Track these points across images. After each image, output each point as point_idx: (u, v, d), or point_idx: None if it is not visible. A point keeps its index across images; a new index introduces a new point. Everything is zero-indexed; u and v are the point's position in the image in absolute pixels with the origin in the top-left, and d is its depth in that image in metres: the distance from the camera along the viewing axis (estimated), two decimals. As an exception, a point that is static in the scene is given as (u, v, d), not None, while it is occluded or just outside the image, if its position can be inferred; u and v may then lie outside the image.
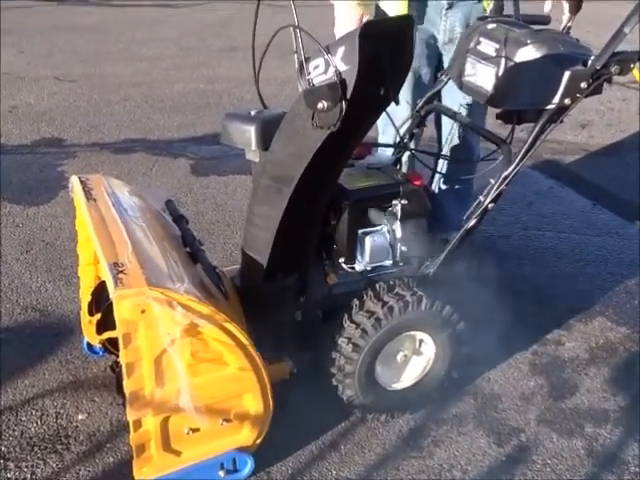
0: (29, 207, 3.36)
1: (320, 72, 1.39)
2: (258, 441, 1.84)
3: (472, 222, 1.98)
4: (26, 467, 1.90)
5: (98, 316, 2.06)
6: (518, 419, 2.08)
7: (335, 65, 1.36)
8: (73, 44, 6.54)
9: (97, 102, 4.93)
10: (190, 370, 1.64)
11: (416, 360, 2.04)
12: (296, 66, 1.60)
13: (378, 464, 1.92)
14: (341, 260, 1.94)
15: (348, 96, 1.36)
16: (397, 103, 1.55)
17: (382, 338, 1.91)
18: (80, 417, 2.08)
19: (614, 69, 1.82)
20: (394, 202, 1.89)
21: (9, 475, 1.87)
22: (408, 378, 2.04)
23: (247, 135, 1.72)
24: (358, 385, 1.93)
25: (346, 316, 1.91)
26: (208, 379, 1.69)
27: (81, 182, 2.01)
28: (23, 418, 2.07)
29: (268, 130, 1.69)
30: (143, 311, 1.55)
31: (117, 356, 2.19)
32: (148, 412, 1.65)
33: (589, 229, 3.20)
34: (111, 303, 2.01)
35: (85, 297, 2.19)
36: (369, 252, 1.90)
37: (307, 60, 1.41)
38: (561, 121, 1.91)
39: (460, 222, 2.01)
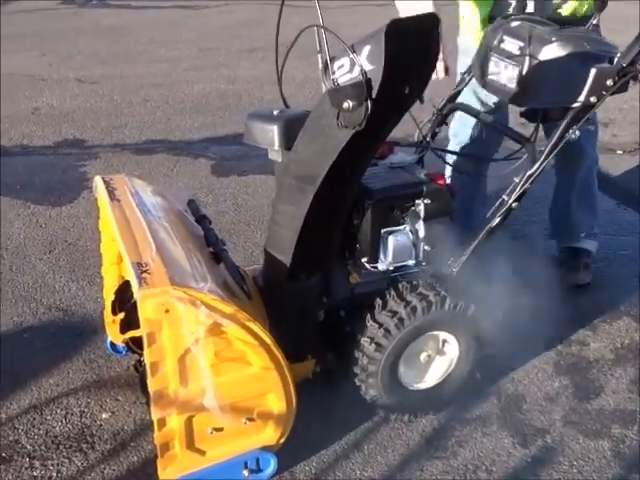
0: (52, 208, 3.40)
1: (345, 71, 1.39)
2: (281, 440, 1.84)
3: (496, 221, 1.96)
4: (52, 465, 1.92)
5: (121, 315, 2.08)
6: (543, 420, 2.06)
7: (360, 64, 1.36)
8: (94, 46, 6.59)
9: (118, 103, 4.97)
10: (214, 369, 1.64)
11: (439, 360, 2.03)
12: (320, 66, 1.60)
13: (402, 464, 1.91)
14: (364, 260, 1.93)
15: (374, 95, 1.36)
16: (422, 102, 1.54)
17: (405, 338, 1.90)
18: (104, 416, 2.09)
19: (640, 66, 1.80)
20: (417, 201, 1.88)
21: (35, 473, 1.89)
22: (431, 378, 2.03)
23: (270, 135, 1.72)
24: (381, 385, 1.93)
25: (369, 316, 1.90)
26: (231, 378, 1.69)
27: (105, 182, 2.02)
28: (48, 417, 2.09)
29: (291, 129, 1.69)
30: (167, 310, 1.55)
31: (140, 355, 2.21)
32: (172, 411, 1.66)
33: (613, 228, 3.16)
34: (135, 302, 2.05)
35: (109, 296, 2.20)
36: (392, 252, 1.89)
37: (332, 60, 1.41)
38: (587, 119, 1.89)
39: (483, 221, 2.00)
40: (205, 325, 1.58)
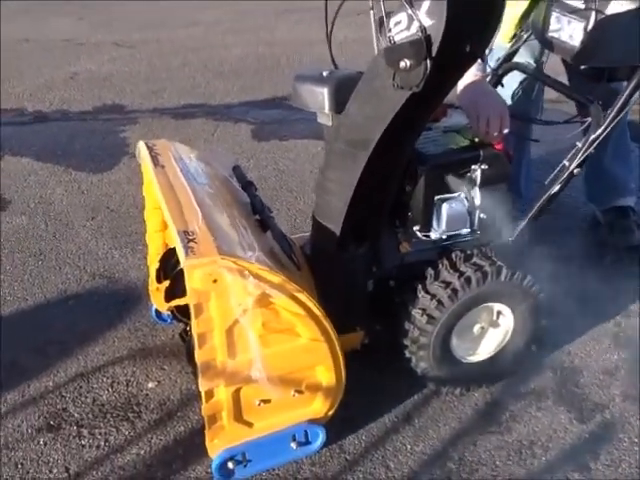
0: (93, 174, 3.37)
1: (402, 28, 1.29)
2: (330, 413, 1.80)
3: (556, 188, 1.86)
4: (99, 434, 1.90)
5: (166, 283, 2.04)
6: (601, 394, 1.98)
7: (419, 20, 1.26)
8: (131, 11, 6.53)
9: (156, 67, 4.91)
10: (261, 341, 1.59)
11: (493, 332, 1.95)
12: (373, 23, 1.50)
13: (454, 439, 1.85)
14: (416, 228, 1.85)
15: (433, 54, 1.26)
16: (483, 61, 1.44)
17: (459, 310, 1.83)
18: (150, 385, 2.07)
19: None
20: (473, 167, 1.78)
21: (83, 442, 1.88)
22: (485, 351, 1.96)
23: (320, 97, 1.63)
24: (432, 358, 1.86)
25: (420, 286, 1.83)
26: (279, 350, 1.65)
27: (148, 148, 1.97)
28: (95, 385, 2.08)
29: (342, 92, 1.61)
30: (215, 281, 1.50)
31: (186, 324, 2.18)
32: (220, 383, 1.62)
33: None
34: (180, 271, 2.00)
35: (153, 264, 2.17)
36: (446, 220, 1.81)
37: (388, 15, 1.32)
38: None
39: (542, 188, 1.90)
40: (253, 296, 1.53)
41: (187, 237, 1.54)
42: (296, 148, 3.61)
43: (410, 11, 1.26)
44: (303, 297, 1.61)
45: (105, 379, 2.10)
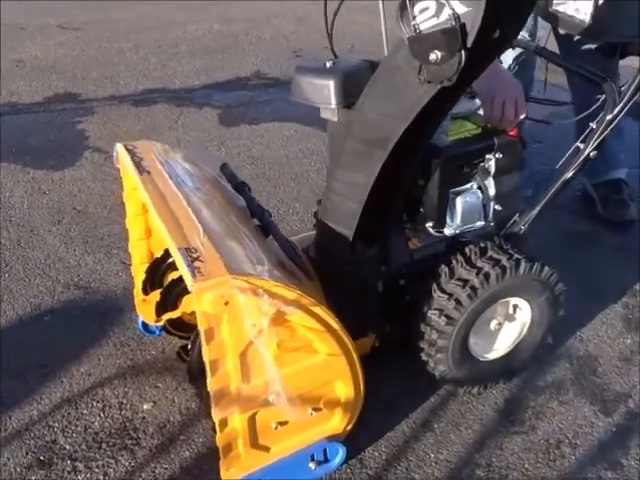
0: (54, 171, 3.13)
1: (430, 16, 1.14)
2: (348, 428, 1.68)
3: (571, 173, 1.76)
4: (97, 467, 1.75)
5: (157, 297, 1.88)
6: (622, 383, 1.92)
7: (452, 7, 1.11)
8: (72, -12, 6.16)
9: (107, 50, 4.63)
10: (277, 362, 1.46)
11: (509, 327, 1.85)
12: (382, 10, 1.36)
13: (478, 442, 1.76)
14: (429, 225, 1.73)
15: (469, 44, 1.12)
16: (513, 48, 1.31)
17: (478, 308, 1.72)
18: (145, 407, 1.91)
19: None
20: (488, 156, 1.66)
21: (80, 477, 1.72)
22: (502, 347, 1.87)
23: (326, 91, 1.48)
24: (451, 359, 1.76)
25: (435, 285, 1.71)
26: (297, 369, 1.52)
27: (128, 151, 1.79)
28: (85, 411, 1.91)
29: (349, 84, 1.46)
30: (226, 303, 1.36)
31: (180, 337, 2.03)
32: (234, 410, 1.49)
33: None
34: (171, 283, 1.86)
35: (138, 274, 2.01)
36: (461, 214, 1.70)
37: (411, 2, 1.17)
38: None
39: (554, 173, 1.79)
40: (268, 315, 1.39)
41: (190, 255, 1.39)
42: (268, 132, 3.43)
43: (442, -3, 1.12)
44: (320, 311, 1.48)
45: (95, 403, 1.93)
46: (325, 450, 1.67)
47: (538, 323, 1.84)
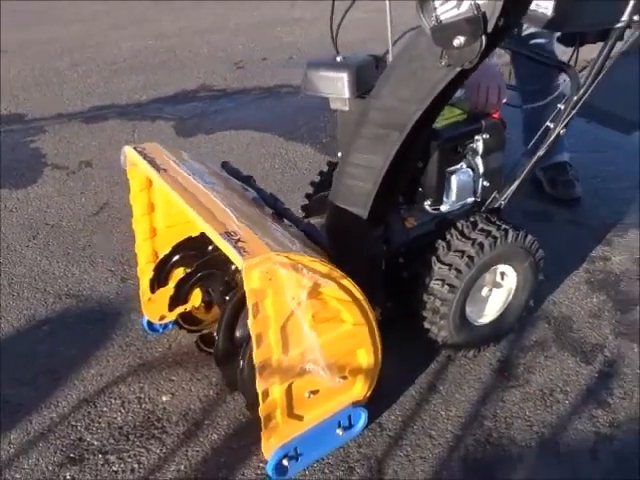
0: (16, 190, 3.14)
1: (450, 7, 1.32)
2: (368, 394, 1.82)
3: (543, 150, 1.97)
4: (129, 457, 1.81)
5: (170, 292, 1.97)
6: (595, 335, 2.14)
7: (473, -1, 1.29)
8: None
9: (44, 71, 4.62)
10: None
11: (498, 293, 2.05)
12: (389, 9, 1.52)
13: (481, 398, 1.94)
14: (427, 203, 1.90)
15: (489, 30, 1.30)
16: (513, 35, 1.50)
17: (474, 275, 1.90)
18: (164, 398, 1.99)
19: (679, -21, 1.82)
20: (476, 137, 1.86)
21: (115, 468, 1.78)
22: (492, 311, 2.05)
23: (340, 83, 1.63)
24: (452, 325, 1.93)
25: (434, 258, 1.88)
26: (328, 339, 1.64)
27: (139, 153, 1.87)
28: (104, 409, 1.96)
29: (360, 77, 1.62)
30: (270, 278, 1.47)
31: (189, 331, 2.12)
32: (275, 381, 1.60)
33: (592, 146, 3.27)
34: (183, 278, 1.95)
35: (144, 274, 2.08)
36: (456, 191, 1.88)
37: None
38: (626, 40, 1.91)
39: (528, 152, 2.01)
40: (306, 288, 1.51)
41: (232, 238, 1.50)
42: (226, 140, 3.54)
43: (462, -11, 1.29)
44: (347, 283, 1.61)
45: (113, 400, 1.99)
46: (349, 416, 1.80)
47: (522, 288, 2.04)
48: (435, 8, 1.34)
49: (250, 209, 1.72)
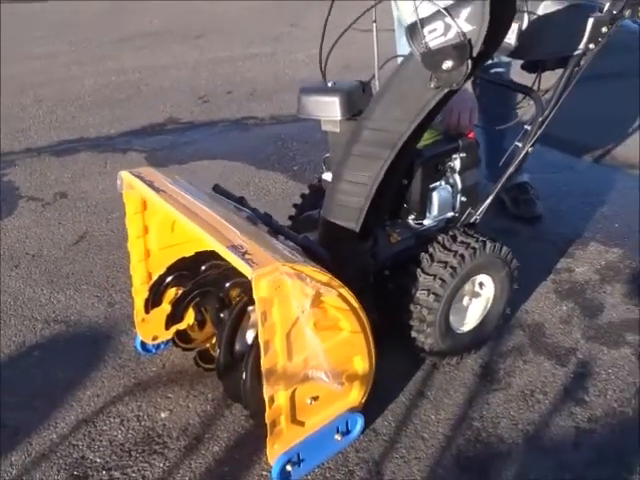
0: (-8, 222, 3.16)
1: (438, 34, 1.46)
2: (364, 400, 1.91)
3: (513, 168, 2.13)
4: (133, 473, 1.85)
5: (168, 310, 2.03)
6: (568, 340, 2.29)
7: (459, 26, 1.44)
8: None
9: (9, 106, 4.64)
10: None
11: (477, 302, 2.18)
12: (376, 37, 1.65)
13: (468, 402, 2.05)
14: (411, 218, 2.03)
15: (474, 54, 1.44)
16: (493, 59, 1.65)
17: (457, 285, 2.03)
18: (163, 415, 2.04)
19: (627, 13, 2.03)
20: (454, 156, 2.00)
21: (120, 483, 1.83)
22: (472, 320, 2.18)
23: (332, 106, 1.75)
24: (438, 332, 2.05)
25: (419, 270, 2.01)
26: (327, 346, 1.73)
27: (136, 176, 1.95)
28: (104, 427, 2.00)
29: (350, 100, 1.75)
30: (277, 287, 1.57)
31: (184, 349, 2.18)
32: (280, 387, 1.68)
33: (546, 168, 3.47)
34: (181, 296, 2.02)
35: (139, 295, 2.14)
36: (437, 206, 2.01)
37: (422, 24, 1.47)
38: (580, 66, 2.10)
39: (498, 170, 2.16)
40: (309, 296, 1.61)
41: (239, 251, 1.59)
42: (199, 170, 3.63)
43: (449, 19, 1.44)
44: (345, 292, 1.72)
45: (112, 419, 2.03)
46: (347, 422, 1.89)
47: (500, 296, 2.18)
48: (424, 36, 1.48)
49: (248, 226, 1.81)
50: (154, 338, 2.22)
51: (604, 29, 2.02)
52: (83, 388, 2.15)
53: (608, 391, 2.07)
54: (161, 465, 1.88)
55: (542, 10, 2.03)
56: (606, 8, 2.02)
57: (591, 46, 2.03)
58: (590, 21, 2.01)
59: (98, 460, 1.90)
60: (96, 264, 2.79)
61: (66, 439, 1.96)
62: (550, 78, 2.19)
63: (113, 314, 2.49)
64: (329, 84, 1.81)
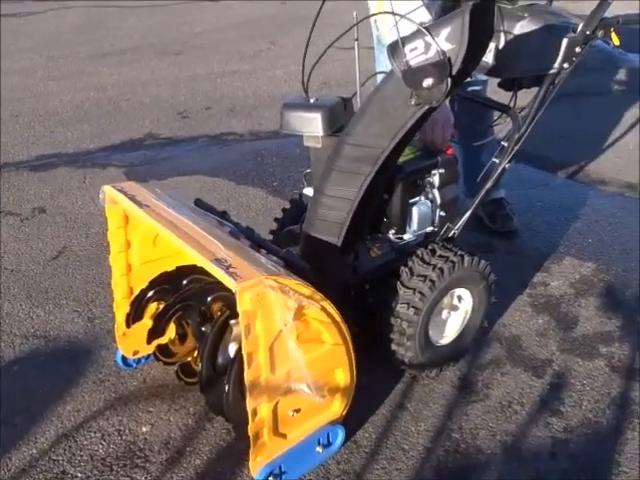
0: (-32, 237, 3.13)
1: (419, 53, 1.50)
2: (344, 412, 1.93)
3: (490, 183, 2.18)
4: (115, 487, 1.85)
5: (149, 324, 2.04)
6: (544, 352, 2.33)
7: (439, 45, 1.48)
8: None
9: (-16, 122, 4.61)
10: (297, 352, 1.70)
11: (455, 315, 2.21)
12: (357, 55, 1.69)
13: (447, 414, 2.08)
14: (392, 232, 2.06)
15: (454, 73, 1.49)
16: (472, 78, 1.70)
17: (435, 298, 2.06)
18: (144, 429, 2.04)
19: (600, 33, 2.10)
20: (433, 172, 2.05)
21: (102, 498, 1.82)
22: (451, 332, 2.22)
23: (315, 122, 1.79)
24: (418, 345, 2.08)
25: (399, 284, 2.04)
26: (310, 358, 1.75)
27: (119, 191, 1.97)
28: (85, 442, 1.99)
29: (332, 116, 1.78)
30: (261, 300, 1.59)
31: (165, 364, 2.18)
32: (263, 399, 1.70)
33: (522, 184, 3.54)
34: (163, 310, 2.03)
35: (120, 309, 2.14)
36: (417, 221, 2.05)
37: (403, 43, 1.52)
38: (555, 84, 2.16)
39: (476, 186, 2.21)
40: (292, 310, 1.64)
41: (223, 265, 1.61)
42: (179, 185, 3.63)
43: (429, 38, 1.48)
44: (327, 305, 1.74)
45: (93, 434, 2.03)
46: (328, 434, 1.91)
47: (477, 309, 2.22)
48: (405, 54, 1.52)
49: (231, 240, 1.83)
50: (135, 352, 2.22)
51: (578, 49, 2.08)
52: (63, 403, 2.14)
53: (583, 402, 2.12)
54: (143, 479, 1.87)
55: (518, 30, 2.09)
56: (579, 29, 2.08)
57: (565, 65, 2.10)
58: (564, 41, 2.07)
59: (79, 475, 1.89)
60: (75, 279, 2.78)
61: (46, 454, 1.96)
62: (526, 96, 2.25)
63: (93, 329, 2.48)
64: (311, 100, 1.85)
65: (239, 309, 1.57)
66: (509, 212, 3.08)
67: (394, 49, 1.53)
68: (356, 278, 2.08)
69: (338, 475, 1.88)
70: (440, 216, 2.13)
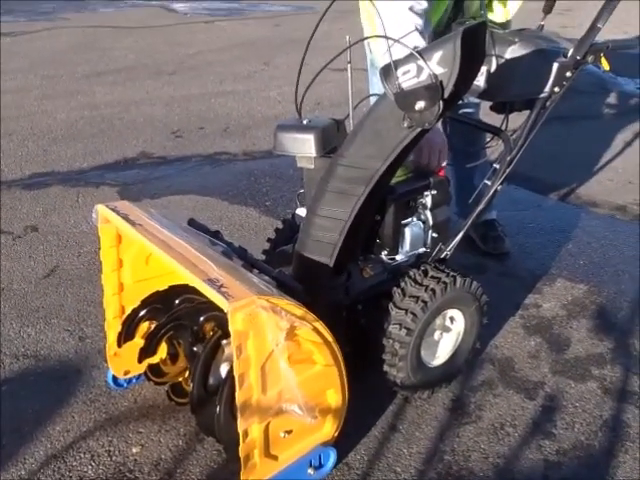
0: (-40, 255, 3.12)
1: (411, 76, 1.52)
2: (336, 434, 1.92)
3: (482, 205, 2.19)
4: (104, 508, 1.83)
5: (141, 344, 2.03)
6: (536, 374, 2.33)
7: (431, 69, 1.50)
8: None
9: (-23, 139, 4.61)
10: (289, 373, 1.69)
11: (448, 336, 2.21)
12: (350, 79, 1.71)
13: (439, 435, 2.07)
14: (384, 253, 2.07)
15: (445, 96, 1.50)
16: (463, 101, 1.72)
17: (428, 319, 2.06)
18: (134, 450, 2.02)
19: (590, 58, 2.12)
20: (426, 193, 2.06)
21: (91, 519, 1.80)
22: (443, 354, 2.21)
23: (308, 143, 1.80)
24: (410, 366, 2.07)
25: (391, 305, 2.04)
26: (301, 379, 1.74)
27: (112, 210, 1.97)
28: (74, 463, 1.97)
29: (325, 137, 1.79)
30: (253, 320, 1.59)
31: (156, 384, 2.17)
32: (254, 420, 1.69)
33: (514, 206, 3.56)
34: (154, 330, 2.02)
35: (112, 329, 2.13)
36: (409, 242, 2.06)
37: (396, 67, 1.53)
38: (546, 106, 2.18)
39: (468, 207, 2.22)
40: (285, 330, 1.63)
41: (215, 284, 1.61)
42: (172, 204, 3.64)
43: (422, 62, 1.50)
44: (320, 326, 1.74)
45: (82, 455, 2.00)
46: (320, 456, 1.89)
47: (470, 331, 2.22)
48: (397, 77, 1.54)
49: (224, 260, 1.83)
50: (126, 372, 2.21)
51: (568, 73, 2.11)
52: (53, 423, 2.12)
53: (575, 424, 2.11)
54: (132, 501, 1.86)
55: (509, 54, 2.11)
56: (570, 54, 2.11)
57: (556, 89, 2.12)
58: (555, 66, 2.10)
59: (68, 497, 1.87)
60: (67, 298, 2.77)
61: (35, 475, 1.93)
62: (517, 119, 2.28)
63: (84, 348, 2.46)
64: (304, 121, 1.86)
65: (231, 329, 1.57)
66: (501, 234, 3.09)
67: (387, 72, 1.55)
68: (348, 299, 2.08)
69: (329, 498, 1.87)
70: (432, 237, 2.14)
